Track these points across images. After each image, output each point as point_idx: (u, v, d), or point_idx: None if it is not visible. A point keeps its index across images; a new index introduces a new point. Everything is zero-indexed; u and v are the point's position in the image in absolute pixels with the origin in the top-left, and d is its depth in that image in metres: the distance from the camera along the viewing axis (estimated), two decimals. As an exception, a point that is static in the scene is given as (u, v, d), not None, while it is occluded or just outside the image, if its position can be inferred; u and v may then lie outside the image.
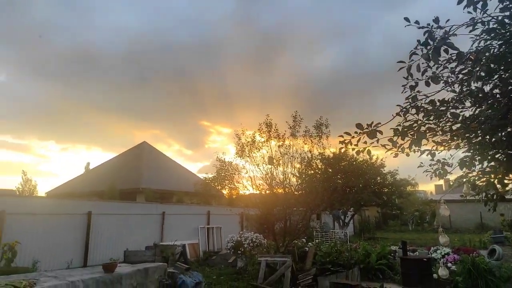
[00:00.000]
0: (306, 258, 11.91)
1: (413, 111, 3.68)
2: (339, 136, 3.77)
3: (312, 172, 15.27)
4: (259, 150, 12.61)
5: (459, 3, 3.12)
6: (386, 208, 29.93)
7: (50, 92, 40.09)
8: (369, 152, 4.05)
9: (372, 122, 3.58)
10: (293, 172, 13.38)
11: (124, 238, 13.07)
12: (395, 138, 3.74)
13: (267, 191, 13.06)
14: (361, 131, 3.61)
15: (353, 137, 3.69)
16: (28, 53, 36.52)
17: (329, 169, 21.07)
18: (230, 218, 18.15)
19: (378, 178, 24.71)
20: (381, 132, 3.59)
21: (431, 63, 3.61)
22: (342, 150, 4.06)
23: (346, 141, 3.76)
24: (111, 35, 38.60)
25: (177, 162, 30.26)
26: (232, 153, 13.24)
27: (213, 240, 17.16)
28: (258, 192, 13.51)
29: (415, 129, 3.65)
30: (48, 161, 54.61)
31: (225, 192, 22.05)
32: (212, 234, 17.27)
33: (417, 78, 3.82)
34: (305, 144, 12.52)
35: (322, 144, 12.52)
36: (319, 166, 20.35)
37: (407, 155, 4.42)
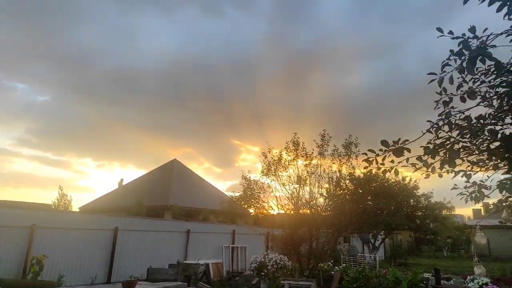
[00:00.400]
0: (332, 283, 11.39)
1: (446, 128, 3.38)
2: (363, 153, 3.51)
3: (341, 192, 14.87)
4: (285, 169, 12.45)
5: (498, 10, 2.85)
6: (420, 233, 28.53)
7: (90, 112, 41.99)
8: (396, 172, 3.77)
9: (399, 139, 3.31)
10: (320, 192, 13.08)
11: (148, 255, 13.04)
12: (424, 157, 3.44)
13: (293, 211, 12.80)
14: (387, 149, 3.34)
15: (377, 155, 3.42)
16: (73, 75, 38.57)
17: (359, 190, 20.50)
18: (255, 238, 17.81)
19: (411, 200, 23.72)
20: (408, 150, 3.31)
21: (467, 77, 3.32)
22: (367, 169, 3.78)
23: (370, 159, 3.49)
24: (152, 57, 40.30)
25: (206, 180, 30.47)
26: (259, 172, 13.11)
27: (237, 260, 16.84)
28: (283, 212, 13.25)
29: (447, 147, 3.34)
30: (85, 177, 56.63)
31: (251, 211, 21.83)
32: (237, 253, 16.95)
33: (451, 93, 3.53)
34: (333, 163, 12.26)
35: (351, 163, 12.21)
36: (348, 187, 19.83)
37: (440, 176, 4.08)
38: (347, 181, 17.86)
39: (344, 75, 44.73)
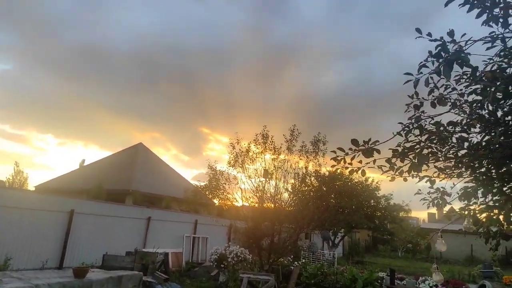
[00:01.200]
0: (290, 278, 11.45)
1: (417, 131, 3.33)
2: (332, 151, 3.41)
3: (306, 189, 14.97)
4: (252, 162, 12.33)
5: (477, 17, 2.80)
6: (377, 232, 29.45)
7: (54, 86, 39.87)
8: (363, 173, 3.71)
9: (370, 139, 3.25)
10: (286, 187, 13.10)
11: (105, 241, 12.56)
12: (393, 160, 3.38)
13: (257, 205, 12.73)
14: (357, 148, 3.26)
15: (347, 154, 3.34)
16: (38, 45, 36.41)
17: (323, 188, 20.78)
18: (217, 229, 17.65)
19: (372, 201, 24.36)
20: (378, 151, 3.24)
21: (438, 83, 3.28)
22: (334, 168, 3.71)
23: (339, 158, 3.40)
24: (122, 33, 38.66)
25: (172, 167, 29.85)
26: (227, 163, 12.92)
27: (198, 250, 16.63)
28: (248, 205, 13.18)
29: (416, 151, 3.29)
30: (44, 154, 54.11)
31: (215, 202, 21.66)
32: (198, 244, 16.75)
33: (423, 98, 3.50)
34: (300, 159, 12.26)
35: (318, 161, 12.25)
36: (313, 184, 20.04)
37: (405, 179, 4.07)
38: (313, 178, 18.07)
39: (318, 72, 45.19)
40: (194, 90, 44.30)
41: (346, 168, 3.72)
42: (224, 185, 13.83)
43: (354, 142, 3.28)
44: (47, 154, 54.16)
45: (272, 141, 12.23)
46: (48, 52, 36.43)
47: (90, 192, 17.77)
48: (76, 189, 20.87)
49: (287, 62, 44.53)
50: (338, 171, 22.46)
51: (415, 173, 3.77)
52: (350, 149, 3.32)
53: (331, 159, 3.48)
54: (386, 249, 38.54)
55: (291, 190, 13.58)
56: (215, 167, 13.22)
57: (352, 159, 3.42)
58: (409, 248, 34.30)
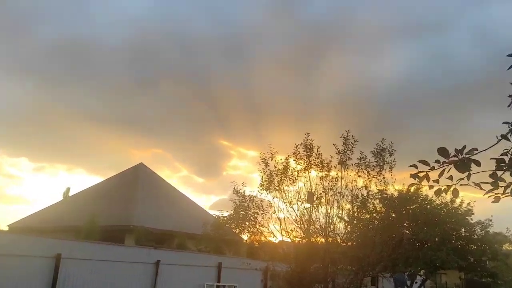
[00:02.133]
0: None
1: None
2: (410, 166, 3.36)
3: (368, 216, 14.78)
4: (293, 182, 12.33)
5: None
6: (473, 274, 28.39)
7: (26, 94, 41.38)
8: (456, 193, 3.63)
9: (464, 147, 3.17)
10: (340, 215, 12.99)
11: (103, 293, 12.85)
12: (499, 174, 3.29)
13: (303, 240, 12.70)
14: (446, 160, 3.19)
15: (432, 168, 3.27)
16: (6, 45, 38.06)
17: (392, 214, 20.43)
18: (249, 274, 17.53)
19: (463, 229, 23.59)
20: (477, 163, 3.16)
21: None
22: (413, 189, 3.68)
23: (420, 175, 3.34)
24: (109, 24, 39.83)
25: (183, 193, 30.20)
26: (257, 185, 12.96)
27: (225, 303, 16.71)
28: (290, 240, 13.15)
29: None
30: (17, 183, 56.20)
31: (245, 237, 21.71)
32: (224, 295, 16.82)
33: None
34: (359, 176, 12.11)
35: (384, 178, 12.06)
36: (378, 209, 19.75)
37: (514, 200, 3.93)
38: (377, 201, 17.80)
39: (370, 58, 44.48)
40: (206, 90, 44.78)
41: (431, 187, 3.65)
42: (255, 214, 13.88)
43: (443, 151, 3.21)
44: (22, 183, 56.08)
45: (319, 153, 12.19)
46: (18, 52, 38.06)
47: (79, 231, 18.19)
48: (61, 227, 21.47)
49: (328, 47, 44.26)
50: (420, 190, 22.07)
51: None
52: (437, 161, 3.26)
53: (410, 176, 3.42)
54: (486, 297, 37.17)
55: (348, 219, 13.44)
56: (243, 191, 13.29)
57: (440, 175, 3.34)
58: None
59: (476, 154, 3.20)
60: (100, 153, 50.36)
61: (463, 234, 23.65)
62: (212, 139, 52.57)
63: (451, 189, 3.61)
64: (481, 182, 3.37)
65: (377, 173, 12.08)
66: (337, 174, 12.28)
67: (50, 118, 42.66)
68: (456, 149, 3.21)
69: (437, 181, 3.61)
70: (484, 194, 3.38)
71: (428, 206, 21.93)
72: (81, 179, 60.95)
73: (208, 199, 73.47)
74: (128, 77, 41.88)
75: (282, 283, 15.37)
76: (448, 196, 22.68)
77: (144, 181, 26.87)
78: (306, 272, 12.44)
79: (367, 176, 12.16)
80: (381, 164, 12.04)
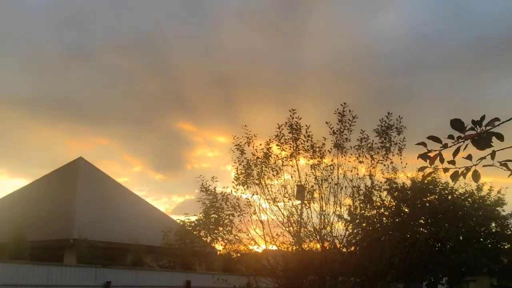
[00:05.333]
0: None
1: None
2: (417, 144, 3.30)
3: (374, 212, 14.91)
4: (277, 174, 12.29)
5: None
6: (508, 279, 29.00)
7: None
8: (476, 176, 3.61)
9: (483, 117, 3.20)
10: (339, 212, 13.07)
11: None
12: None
13: (292, 247, 12.77)
14: (462, 135, 3.16)
15: (444, 146, 3.26)
16: None
17: (404, 208, 20.65)
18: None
19: (493, 224, 23.95)
20: (500, 137, 3.19)
21: None
22: (426, 173, 3.68)
23: (431, 155, 3.35)
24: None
25: (138, 196, 29.87)
26: (231, 179, 12.86)
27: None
28: (276, 248, 13.21)
29: None
30: None
31: (219, 247, 21.72)
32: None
33: None
34: (360, 162, 12.14)
35: (392, 163, 12.10)
36: (387, 203, 19.95)
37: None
38: (384, 194, 17.93)
39: (369, 10, 44.29)
40: (160, 62, 43.86)
41: (446, 170, 3.63)
42: (231, 217, 13.85)
43: (457, 124, 3.19)
44: None
45: (308, 135, 12.14)
46: None
47: (3, 249, 17.94)
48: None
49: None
50: (438, 177, 22.30)
51: None
52: (451, 136, 3.22)
53: (418, 157, 3.37)
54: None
55: (349, 217, 13.53)
56: (213, 188, 13.20)
57: (455, 154, 3.26)
58: None
59: (498, 125, 3.21)
60: (25, 148, 48.94)
61: (493, 230, 23.95)
62: (170, 123, 51.52)
63: (471, 171, 3.59)
64: (507, 160, 3.34)
65: (383, 157, 12.10)
66: (332, 160, 12.26)
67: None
68: (474, 121, 3.21)
69: (452, 162, 3.60)
70: (510, 175, 3.37)
71: (449, 197, 22.11)
72: (1, 183, 59.37)
73: (170, 201, 72.85)
74: (55, 45, 40.72)
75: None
76: (472, 183, 23.01)
77: (85, 180, 26.40)
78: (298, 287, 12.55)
79: (371, 161, 12.18)
80: (388, 145, 12.07)
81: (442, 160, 3.56)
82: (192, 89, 45.73)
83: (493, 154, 3.52)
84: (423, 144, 3.44)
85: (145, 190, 70.89)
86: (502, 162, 3.58)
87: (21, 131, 46.07)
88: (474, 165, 3.57)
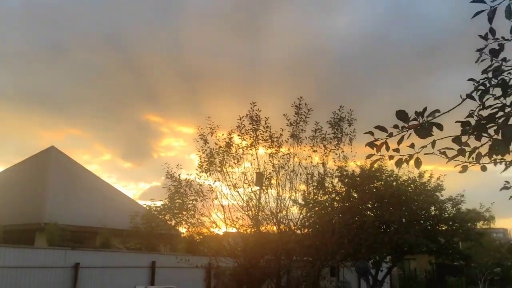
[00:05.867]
0: None
1: (498, 91, 3.44)
2: (365, 133, 3.52)
3: (326, 197, 15.10)
4: (238, 162, 12.37)
5: None
6: (444, 257, 29.78)
7: None
8: (418, 163, 3.82)
9: (425, 109, 3.34)
10: (294, 197, 13.22)
11: (9, 306, 12.59)
12: (464, 139, 3.50)
13: (250, 229, 12.84)
14: (406, 125, 3.35)
15: (390, 135, 3.43)
16: None
17: (353, 193, 21.06)
18: (189, 274, 17.67)
19: (432, 208, 24.54)
20: (440, 127, 3.34)
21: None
22: (373, 160, 3.85)
23: (377, 143, 3.51)
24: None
25: (107, 182, 29.54)
26: (195, 167, 12.88)
27: (161, 309, 16.77)
28: (236, 231, 13.27)
29: (499, 121, 3.40)
30: None
31: (183, 230, 21.74)
32: (160, 299, 16.87)
33: (503, 38, 3.60)
34: (314, 151, 12.32)
35: (343, 152, 12.33)
36: (338, 188, 20.31)
37: (483, 169, 4.18)
38: (336, 180, 18.26)
39: (324, 13, 44.94)
40: (129, 56, 43.63)
41: (391, 158, 3.80)
42: (194, 202, 13.90)
43: (401, 115, 3.35)
44: None
45: (267, 126, 12.28)
46: None
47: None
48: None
49: (275, 1, 44.01)
50: (376, 164, 22.80)
51: (499, 156, 3.88)
52: (396, 126, 3.40)
53: (366, 145, 3.55)
54: (459, 282, 39.21)
55: (303, 202, 13.71)
56: (178, 175, 13.24)
57: (399, 142, 3.50)
58: (497, 273, 34.88)
59: (439, 116, 3.34)
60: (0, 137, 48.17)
61: (432, 213, 24.63)
62: (138, 114, 51.38)
63: (413, 158, 3.81)
64: (446, 148, 3.56)
65: (335, 146, 12.34)
66: (289, 149, 12.42)
67: None
68: (417, 112, 3.34)
69: (397, 150, 3.79)
70: (448, 162, 3.58)
71: (394, 183, 22.56)
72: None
73: (137, 187, 72.10)
74: (29, 41, 40.20)
75: (228, 281, 15.59)
76: (415, 171, 23.63)
77: (57, 168, 26.07)
78: (255, 267, 12.62)
79: (324, 150, 12.38)
80: (339, 136, 12.31)
81: (387, 148, 3.62)
82: (159, 83, 45.57)
83: (433, 143, 3.60)
84: (371, 133, 3.52)
85: (114, 178, 70.11)
86: (441, 150, 3.79)
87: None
88: (416, 153, 3.68)
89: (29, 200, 22.54)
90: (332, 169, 13.72)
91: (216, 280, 17.89)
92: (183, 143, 48.13)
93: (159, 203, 21.26)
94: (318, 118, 12.48)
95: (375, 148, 3.64)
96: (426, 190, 23.74)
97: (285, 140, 12.43)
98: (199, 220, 13.79)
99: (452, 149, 3.60)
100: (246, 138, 12.40)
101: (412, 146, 3.69)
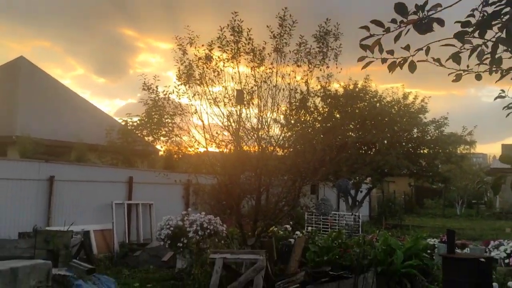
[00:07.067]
0: (291, 255, 11.90)
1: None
2: (360, 27, 3.32)
3: (308, 117, 15.06)
4: (218, 75, 12.09)
5: None
6: (423, 180, 30.41)
7: None
8: (412, 67, 3.67)
9: (426, 2, 3.16)
10: (275, 116, 13.10)
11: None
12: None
13: (230, 147, 12.79)
14: (404, 20, 3.15)
15: (387, 30, 3.25)
16: None
17: (336, 114, 21.04)
18: (167, 190, 17.98)
19: (415, 130, 24.77)
20: (441, 22, 3.16)
21: None
22: (364, 62, 3.69)
23: (370, 43, 3.34)
24: None
25: (81, 96, 29.11)
26: (173, 83, 12.55)
27: (138, 224, 17.02)
28: (215, 149, 13.22)
29: (505, 17, 3.21)
30: None
31: (160, 148, 21.70)
32: (137, 214, 17.09)
33: None
34: (298, 66, 12.04)
35: (328, 67, 12.04)
36: (320, 108, 20.29)
37: (478, 77, 4.06)
38: (319, 100, 18.14)
39: None
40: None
41: (384, 61, 3.66)
42: (172, 117, 13.68)
43: (400, 8, 3.16)
44: None
45: (250, 39, 11.90)
46: None
47: None
48: None
49: None
50: (360, 84, 22.60)
51: (495, 66, 3.74)
52: (393, 20, 3.22)
53: (360, 46, 3.37)
54: (437, 204, 40.41)
55: (285, 121, 13.62)
56: (156, 87, 12.89)
57: (396, 39, 3.35)
58: (483, 189, 35.63)
59: (440, 11, 3.18)
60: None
61: (415, 136, 24.94)
62: (111, 27, 49.87)
63: (408, 62, 3.64)
64: (446, 45, 3.38)
65: (320, 61, 12.05)
66: (272, 64, 12.13)
67: None
68: (417, 5, 3.15)
69: (391, 52, 3.62)
70: (447, 60, 3.42)
71: (378, 105, 22.64)
72: None
73: (112, 103, 71.49)
74: None
75: (208, 198, 15.72)
76: (399, 92, 23.64)
77: (27, 80, 25.50)
78: (235, 184, 12.63)
79: (308, 67, 12.10)
80: (325, 50, 12.01)
81: (381, 51, 3.55)
82: (134, -6, 43.85)
83: (427, 50, 3.60)
84: (366, 28, 3.36)
85: (88, 93, 69.35)
86: (436, 59, 3.71)
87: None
88: (411, 55, 3.61)
89: (-1, 112, 22.22)
90: (316, 88, 13.53)
91: (195, 197, 18.08)
92: (160, 59, 47.37)
93: (136, 119, 21.12)
94: (303, 32, 12.12)
95: (367, 49, 3.48)
96: (410, 112, 23.94)
97: (268, 54, 12.09)
98: (177, 136, 13.64)
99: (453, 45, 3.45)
100: (227, 50, 12.03)
101: (407, 48, 3.56)
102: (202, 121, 12.49)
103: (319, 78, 12.53)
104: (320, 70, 12.17)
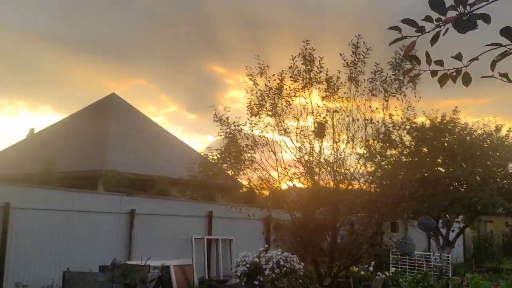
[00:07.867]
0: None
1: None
2: (389, 28, 2.99)
3: (394, 152, 14.56)
4: (289, 105, 11.88)
5: None
6: (522, 218, 28.59)
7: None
8: (467, 79, 3.23)
9: None
10: (352, 149, 12.66)
11: (65, 249, 12.90)
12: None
13: (303, 181, 12.60)
14: (442, 18, 2.78)
15: (421, 29, 2.85)
16: None
17: (422, 148, 20.21)
18: (247, 225, 17.85)
19: (510, 165, 23.35)
20: (487, 18, 2.76)
21: None
22: (412, 75, 3.28)
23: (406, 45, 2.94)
24: None
25: (168, 131, 30.07)
26: (247, 112, 12.45)
27: (218, 260, 16.91)
28: (292, 184, 13.04)
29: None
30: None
31: (243, 182, 21.66)
32: (217, 250, 17.01)
33: None
34: (373, 95, 11.57)
35: (405, 96, 11.53)
36: (406, 143, 19.48)
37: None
38: (404, 133, 17.46)
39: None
40: (192, 5, 43.08)
41: (433, 73, 3.21)
42: (249, 150, 13.53)
43: (436, 3, 2.74)
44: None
45: (322, 67, 11.66)
46: None
47: (32, 178, 18.10)
48: (21, 172, 21.37)
49: None
50: (457, 118, 21.45)
51: None
52: (428, 18, 2.84)
53: (389, 44, 2.96)
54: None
55: (366, 154, 13.15)
56: (227, 118, 12.75)
57: (433, 40, 2.91)
58: None
59: (485, 5, 2.76)
60: (66, 85, 49.37)
61: (510, 171, 23.47)
62: (202, 65, 51.29)
63: (462, 74, 3.17)
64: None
65: (396, 90, 11.59)
66: (345, 93, 11.81)
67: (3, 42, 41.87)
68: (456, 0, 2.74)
69: (440, 62, 3.19)
70: None
71: (468, 138, 21.62)
72: (47, 118, 61.65)
73: (203, 139, 73.35)
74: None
75: (286, 234, 15.44)
76: (491, 124, 22.42)
77: (118, 115, 26.58)
78: (310, 219, 12.41)
79: (384, 95, 11.67)
80: (401, 78, 11.54)
81: (429, 62, 3.15)
82: (222, 32, 45.01)
83: (492, 64, 3.10)
84: (397, 28, 3.00)
85: (180, 130, 71.61)
86: (502, 73, 3.15)
87: (62, 70, 46.45)
88: (464, 66, 3.12)
89: (90, 147, 23.12)
90: (399, 121, 13.02)
91: (276, 233, 17.83)
92: (247, 94, 47.97)
93: (216, 153, 21.25)
94: (377, 58, 11.75)
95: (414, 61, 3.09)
96: (504, 145, 22.65)
97: (342, 83, 11.79)
98: (258, 173, 13.54)
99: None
100: (299, 79, 11.84)
101: (458, 57, 3.07)
102: (275, 153, 12.39)
103: (396, 108, 12.09)
104: (398, 99, 11.73)
